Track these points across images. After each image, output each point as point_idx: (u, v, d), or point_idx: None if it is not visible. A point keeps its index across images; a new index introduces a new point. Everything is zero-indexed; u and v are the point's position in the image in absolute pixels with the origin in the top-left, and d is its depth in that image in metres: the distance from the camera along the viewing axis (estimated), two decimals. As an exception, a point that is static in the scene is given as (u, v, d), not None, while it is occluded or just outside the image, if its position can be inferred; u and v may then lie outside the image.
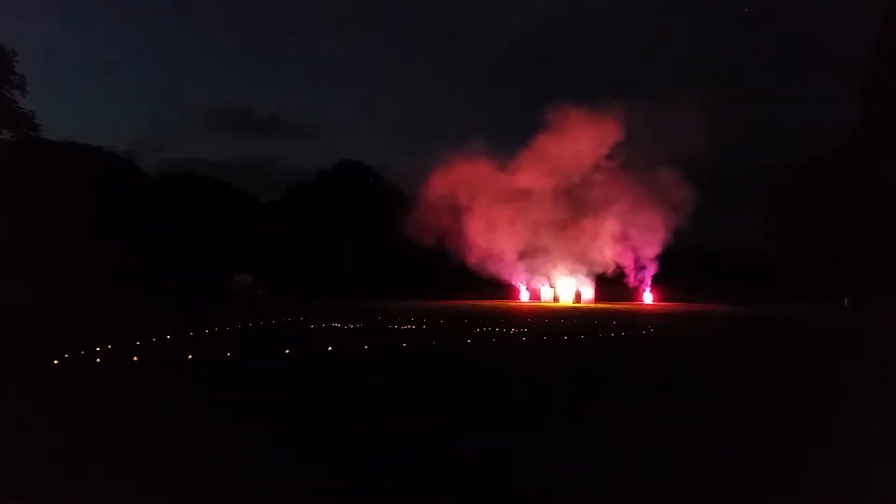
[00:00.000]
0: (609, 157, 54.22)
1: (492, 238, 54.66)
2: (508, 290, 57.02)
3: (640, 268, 54.78)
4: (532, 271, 56.46)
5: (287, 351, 14.46)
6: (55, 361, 11.99)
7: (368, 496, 5.40)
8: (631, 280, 55.55)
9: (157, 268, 53.48)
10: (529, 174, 54.75)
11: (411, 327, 22.16)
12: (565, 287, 55.73)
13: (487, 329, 21.50)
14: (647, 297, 55.15)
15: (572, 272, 55.23)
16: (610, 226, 53.98)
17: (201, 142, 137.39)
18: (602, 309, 41.08)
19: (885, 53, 39.87)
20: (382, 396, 9.65)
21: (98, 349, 13.52)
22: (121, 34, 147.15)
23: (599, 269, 55.18)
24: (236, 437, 7.24)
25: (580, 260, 54.90)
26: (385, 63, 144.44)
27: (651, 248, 54.07)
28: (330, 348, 15.09)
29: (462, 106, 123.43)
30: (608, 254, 54.56)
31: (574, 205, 54.73)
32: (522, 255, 55.72)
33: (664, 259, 55.03)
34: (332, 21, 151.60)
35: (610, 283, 56.32)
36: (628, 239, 54.21)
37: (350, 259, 59.49)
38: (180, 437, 7.15)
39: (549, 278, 56.46)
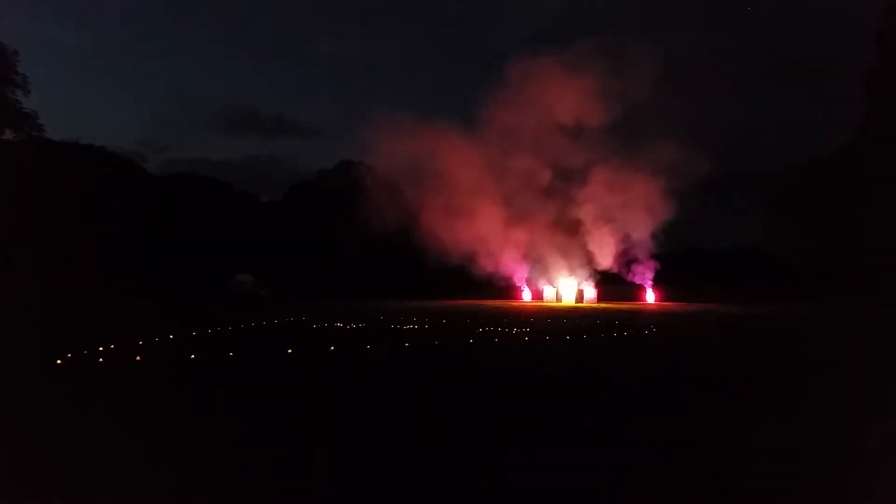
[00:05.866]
0: (602, 128, 50.57)
1: (481, 228, 52.03)
2: (511, 291, 56.82)
3: (636, 259, 53.62)
4: (532, 268, 55.82)
5: (290, 351, 14.48)
6: (58, 361, 12.03)
7: (369, 495, 5.42)
8: (631, 275, 54.58)
9: (160, 267, 53.57)
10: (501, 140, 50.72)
11: (414, 327, 22.17)
12: (567, 287, 55.56)
13: (489, 329, 21.50)
14: (650, 297, 55.04)
15: (573, 270, 54.71)
16: (605, 212, 51.93)
17: (205, 142, 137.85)
18: (605, 308, 41.04)
19: (887, 52, 39.73)
20: (384, 396, 9.67)
21: (101, 349, 13.56)
22: (125, 34, 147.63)
23: (600, 264, 54.18)
24: (238, 436, 7.26)
25: (577, 256, 53.98)
26: (388, 63, 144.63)
27: (649, 227, 51.33)
28: (332, 348, 15.11)
29: (465, 106, 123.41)
30: (606, 245, 52.97)
31: (564, 188, 52.36)
32: (519, 249, 54.45)
33: (667, 258, 54.73)
34: (336, 21, 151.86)
35: (612, 283, 56.07)
36: (625, 221, 51.67)
37: (351, 259, 59.44)
38: (182, 438, 7.18)
39: (550, 278, 56.22)
